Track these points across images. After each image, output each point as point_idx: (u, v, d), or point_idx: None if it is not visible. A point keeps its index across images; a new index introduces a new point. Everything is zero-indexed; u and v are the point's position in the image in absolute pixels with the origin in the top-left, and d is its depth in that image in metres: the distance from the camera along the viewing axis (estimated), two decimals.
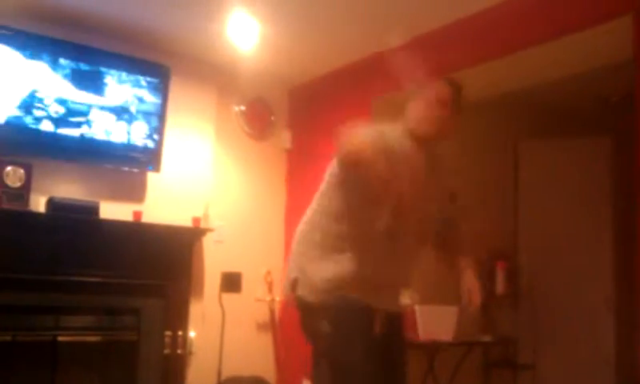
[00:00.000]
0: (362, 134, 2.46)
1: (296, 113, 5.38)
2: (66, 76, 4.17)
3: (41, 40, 4.11)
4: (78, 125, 4.23)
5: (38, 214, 4.06)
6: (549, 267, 5.26)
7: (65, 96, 4.17)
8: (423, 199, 2.61)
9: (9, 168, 3.94)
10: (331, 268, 2.57)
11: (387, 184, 2.32)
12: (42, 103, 4.10)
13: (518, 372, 5.21)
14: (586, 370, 5.01)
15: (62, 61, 4.16)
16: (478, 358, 5.12)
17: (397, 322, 2.72)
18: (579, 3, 3.54)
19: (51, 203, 4.07)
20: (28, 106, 4.05)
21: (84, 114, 4.24)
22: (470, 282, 2.77)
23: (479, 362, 5.15)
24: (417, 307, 4.50)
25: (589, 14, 3.46)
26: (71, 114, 4.20)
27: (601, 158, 5.27)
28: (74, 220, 4.09)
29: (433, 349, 4.50)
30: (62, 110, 4.17)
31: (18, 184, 3.97)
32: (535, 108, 5.43)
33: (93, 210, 4.18)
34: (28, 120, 4.05)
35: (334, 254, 2.58)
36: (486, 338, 4.91)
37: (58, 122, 4.16)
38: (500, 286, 5.18)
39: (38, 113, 4.08)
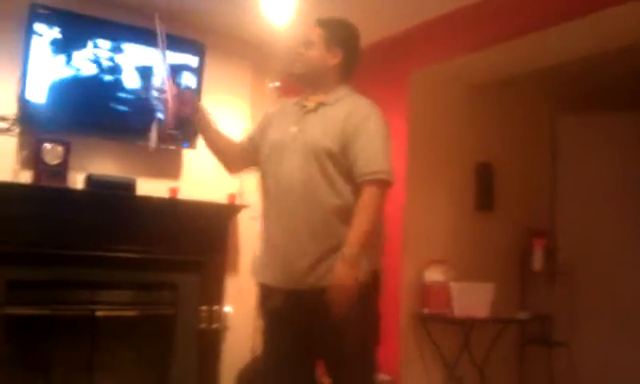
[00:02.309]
0: None
1: None
2: (102, 54, 4.19)
3: (79, 19, 4.12)
4: (116, 102, 4.25)
5: (77, 191, 4.11)
6: (587, 244, 5.19)
7: (101, 74, 4.19)
8: (292, 150, 2.56)
9: (47, 145, 3.99)
10: None
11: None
12: (80, 81, 4.12)
13: (554, 349, 5.17)
14: (622, 348, 4.95)
15: (99, 39, 4.18)
16: (514, 335, 5.10)
17: (309, 301, 2.47)
18: None
19: (89, 180, 4.12)
20: (66, 84, 4.07)
21: (121, 91, 4.27)
22: (340, 277, 2.41)
23: (515, 339, 5.13)
24: (452, 283, 4.49)
25: None
26: (109, 92, 4.23)
27: None
28: (112, 196, 4.13)
29: (468, 325, 4.49)
30: (99, 88, 4.19)
31: (57, 161, 4.01)
32: (574, 82, 5.32)
33: (130, 186, 4.22)
34: (66, 98, 4.08)
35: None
36: (522, 316, 4.89)
37: (96, 99, 4.19)
38: (537, 263, 5.14)
39: (76, 91, 4.10)
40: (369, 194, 2.47)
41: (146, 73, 4.34)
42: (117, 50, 4.25)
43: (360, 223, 2.44)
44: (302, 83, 2.70)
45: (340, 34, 2.69)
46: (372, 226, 2.47)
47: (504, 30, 4.04)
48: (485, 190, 5.15)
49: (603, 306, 5.06)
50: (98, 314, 4.17)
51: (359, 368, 2.57)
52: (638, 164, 5.13)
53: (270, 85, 5.03)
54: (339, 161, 2.51)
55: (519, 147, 5.27)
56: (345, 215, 2.48)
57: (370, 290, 2.54)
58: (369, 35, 4.67)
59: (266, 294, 2.62)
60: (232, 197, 4.61)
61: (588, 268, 5.12)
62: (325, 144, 2.52)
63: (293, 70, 2.70)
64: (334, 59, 2.66)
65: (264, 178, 2.69)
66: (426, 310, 4.57)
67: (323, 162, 2.51)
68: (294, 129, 2.60)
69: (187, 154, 4.57)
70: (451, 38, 4.40)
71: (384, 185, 2.51)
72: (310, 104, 2.64)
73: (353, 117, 2.56)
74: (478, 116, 5.05)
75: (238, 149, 2.92)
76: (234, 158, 2.94)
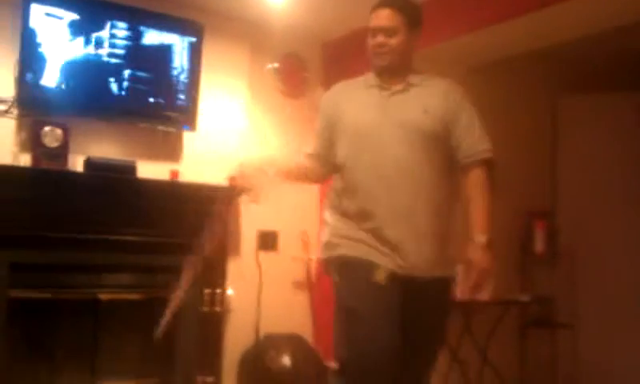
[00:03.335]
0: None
1: (330, 68, 5.31)
2: (101, 35, 4.16)
3: (76, 1, 4.09)
4: (114, 84, 4.22)
5: (77, 174, 4.09)
6: (588, 226, 5.18)
7: (101, 55, 4.16)
8: (388, 129, 2.47)
9: (47, 128, 3.96)
10: (328, 229, 2.62)
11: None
12: (80, 63, 4.09)
13: (556, 331, 5.18)
14: (625, 329, 4.96)
15: (97, 20, 4.14)
16: (516, 317, 5.10)
17: (425, 291, 2.46)
18: None
19: (89, 163, 4.09)
20: (66, 66, 4.04)
21: (120, 73, 4.23)
22: (479, 261, 2.45)
23: (517, 321, 5.12)
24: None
25: None
26: (107, 74, 4.19)
27: None
28: (112, 179, 4.11)
29: (470, 308, 4.48)
30: (97, 70, 4.16)
31: (56, 144, 3.98)
32: (575, 63, 5.30)
33: (130, 169, 4.20)
34: (66, 80, 4.05)
35: (334, 213, 2.61)
36: (524, 298, 4.88)
37: (95, 81, 4.16)
38: (538, 245, 5.13)
39: (74, 73, 4.07)
40: (483, 174, 2.53)
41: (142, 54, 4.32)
42: (116, 30, 4.21)
43: (484, 205, 2.51)
44: (388, 72, 2.57)
45: (415, 15, 2.60)
46: (492, 205, 2.51)
47: (503, 10, 4.01)
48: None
49: (605, 287, 5.06)
50: (101, 297, 4.17)
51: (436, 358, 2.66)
52: (637, 144, 5.12)
53: (269, 66, 5.01)
54: (442, 141, 2.50)
55: (519, 129, 5.25)
56: (451, 199, 2.52)
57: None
58: (367, 17, 4.69)
59: (372, 269, 2.45)
60: (233, 179, 4.59)
61: (589, 249, 5.12)
62: (429, 124, 2.47)
63: (380, 62, 2.56)
64: (416, 41, 2.61)
65: (353, 167, 2.52)
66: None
67: (428, 143, 2.47)
68: (382, 114, 2.50)
69: (187, 137, 4.55)
70: (449, 18, 4.36)
71: (492, 163, 2.56)
72: (397, 86, 2.55)
73: (451, 95, 2.56)
74: (476, 98, 4.99)
75: (315, 162, 2.73)
76: (316, 173, 2.77)
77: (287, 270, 4.90)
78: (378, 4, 2.58)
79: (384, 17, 2.53)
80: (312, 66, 5.24)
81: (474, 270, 2.41)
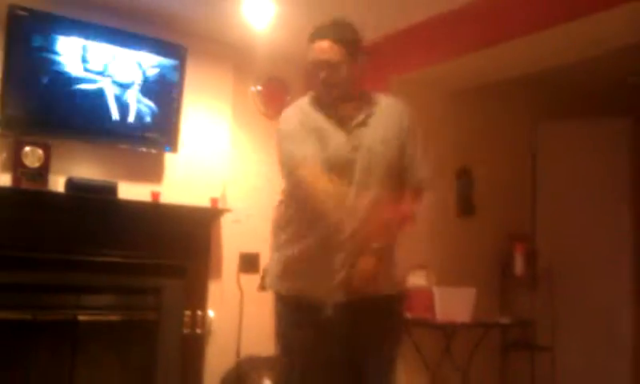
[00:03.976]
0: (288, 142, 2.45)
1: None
2: (83, 56, 4.17)
3: (57, 19, 4.11)
4: (96, 105, 4.23)
5: (57, 194, 4.08)
6: (567, 250, 5.23)
7: (82, 76, 4.17)
8: (359, 162, 2.44)
9: (27, 148, 3.96)
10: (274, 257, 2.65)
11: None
12: (60, 83, 4.10)
13: (536, 354, 5.20)
14: (603, 352, 5.00)
15: (79, 40, 4.16)
16: (496, 339, 5.12)
17: (366, 310, 2.46)
18: None
19: (70, 183, 4.09)
20: (47, 86, 4.05)
21: (101, 94, 4.25)
22: (363, 265, 2.40)
23: (497, 343, 5.15)
24: (434, 288, 4.50)
25: None
26: (89, 95, 4.21)
27: (621, 138, 5.23)
28: (93, 200, 4.11)
29: (450, 330, 4.50)
30: (79, 90, 4.17)
31: (37, 164, 3.99)
32: (554, 89, 5.40)
33: (111, 190, 4.20)
34: (47, 101, 4.06)
35: (277, 241, 2.62)
36: (504, 320, 4.90)
37: (76, 101, 4.16)
38: (518, 268, 5.18)
39: (56, 93, 4.09)
40: (415, 198, 2.53)
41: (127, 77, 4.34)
42: (98, 52, 4.23)
43: (402, 219, 2.49)
44: (339, 100, 2.50)
45: (355, 40, 2.51)
46: (400, 226, 2.51)
47: (484, 37, 4.09)
48: (465, 195, 5.19)
49: (584, 309, 5.10)
50: (80, 318, 4.15)
51: (393, 372, 2.62)
52: (618, 170, 5.20)
53: (252, 88, 5.04)
54: (395, 165, 2.50)
55: (499, 153, 5.31)
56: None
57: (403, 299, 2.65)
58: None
59: (308, 305, 2.46)
60: (214, 200, 4.61)
61: (569, 272, 5.17)
62: (388, 154, 2.48)
63: (330, 96, 2.48)
64: (361, 67, 2.52)
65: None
66: (408, 315, 4.57)
67: (386, 171, 2.47)
68: (348, 145, 2.46)
69: (169, 158, 4.56)
70: (431, 44, 4.43)
71: (425, 190, 2.58)
72: (357, 117, 2.50)
73: (405, 120, 2.55)
74: (458, 122, 5.08)
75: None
76: None
77: (268, 292, 4.89)
78: (315, 35, 2.49)
79: (324, 51, 2.45)
80: (295, 89, 5.27)
81: (356, 273, 2.39)
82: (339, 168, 2.43)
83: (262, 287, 4.57)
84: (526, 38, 3.91)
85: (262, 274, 4.62)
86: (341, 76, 2.45)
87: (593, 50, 4.14)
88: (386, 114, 2.55)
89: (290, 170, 2.46)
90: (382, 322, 2.53)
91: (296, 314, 2.52)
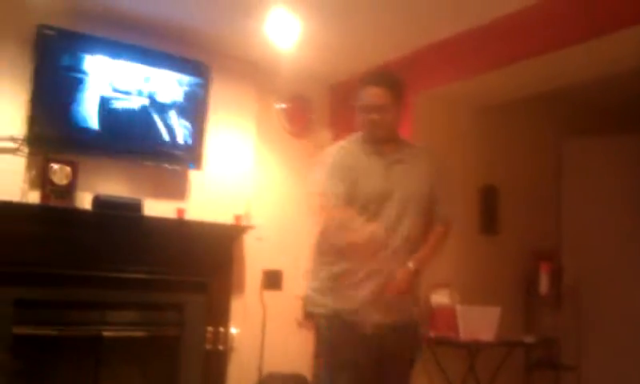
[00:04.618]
0: (323, 181, 2.72)
1: (337, 110, 5.38)
2: (109, 75, 4.24)
3: (84, 38, 4.18)
4: (122, 123, 4.29)
5: (84, 211, 4.13)
6: (593, 267, 5.17)
7: (109, 94, 4.24)
8: (397, 194, 2.71)
9: (55, 166, 4.03)
10: (314, 281, 2.81)
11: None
12: (88, 102, 4.16)
13: (561, 373, 5.14)
14: (630, 370, 4.92)
15: (106, 59, 4.23)
16: (520, 358, 5.06)
17: (394, 335, 2.72)
18: (622, 1, 3.48)
19: (97, 200, 4.14)
20: (72, 104, 4.12)
21: (128, 112, 4.31)
22: (400, 280, 2.68)
23: (521, 362, 5.09)
24: (458, 307, 4.48)
25: (632, 11, 3.40)
26: (116, 112, 4.27)
27: None
28: (119, 217, 4.15)
29: (474, 349, 4.47)
30: (106, 109, 4.23)
31: (65, 181, 4.05)
32: (580, 106, 5.36)
33: (137, 207, 4.24)
34: (73, 119, 4.12)
35: (316, 266, 2.82)
36: (529, 339, 4.85)
37: (104, 119, 4.22)
38: (543, 287, 5.12)
39: (84, 111, 4.15)
40: (443, 230, 2.82)
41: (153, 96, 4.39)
42: (125, 71, 4.29)
43: (430, 246, 2.78)
44: (383, 141, 2.79)
45: (401, 89, 2.81)
46: (435, 257, 2.82)
47: (509, 54, 4.08)
48: (490, 213, 5.16)
49: (610, 328, 5.03)
50: (105, 334, 4.18)
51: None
52: None
53: (276, 106, 5.07)
54: (426, 202, 2.78)
55: (524, 170, 5.28)
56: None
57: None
58: (374, 57, 4.76)
59: (348, 324, 2.68)
60: (238, 218, 4.63)
61: (594, 290, 5.11)
62: (424, 191, 2.77)
63: (375, 137, 2.77)
64: (403, 111, 2.82)
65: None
66: (432, 334, 4.55)
67: (420, 207, 2.75)
68: (386, 180, 2.73)
69: (193, 175, 4.60)
70: (457, 60, 4.43)
71: (450, 225, 2.87)
72: (395, 155, 2.79)
73: (434, 163, 2.86)
74: (482, 138, 5.07)
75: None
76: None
77: (291, 309, 4.91)
78: (369, 82, 2.79)
79: (377, 95, 2.74)
80: (319, 107, 5.31)
81: (393, 285, 2.65)
82: (377, 200, 2.70)
83: (303, 318, 4.67)
84: (550, 54, 3.89)
85: (301, 305, 4.69)
86: (388, 119, 2.75)
87: (619, 65, 4.11)
88: (420, 155, 2.86)
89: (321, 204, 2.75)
90: (407, 347, 2.82)
91: (335, 332, 2.71)
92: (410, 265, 2.68)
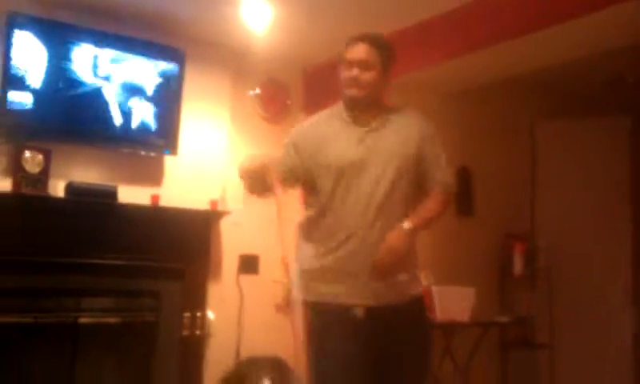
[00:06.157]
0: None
1: (311, 95, 5.38)
2: (82, 61, 4.20)
3: (58, 26, 4.14)
4: (95, 109, 4.27)
5: (58, 199, 4.10)
6: (566, 248, 5.26)
7: (82, 80, 4.20)
8: (372, 164, 2.51)
9: (27, 153, 3.99)
10: (301, 259, 2.66)
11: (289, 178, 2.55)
12: (60, 88, 4.13)
13: (535, 352, 5.22)
14: (603, 350, 5.02)
15: (78, 46, 4.19)
16: (495, 338, 5.15)
17: (395, 316, 2.50)
18: None
19: (70, 188, 4.11)
20: (46, 91, 4.08)
21: (101, 98, 4.28)
22: (393, 238, 2.45)
23: (496, 342, 5.17)
24: (433, 288, 4.52)
25: None
26: (89, 99, 4.24)
27: (619, 137, 5.26)
28: (93, 204, 4.13)
29: (450, 329, 4.53)
30: (79, 95, 4.20)
31: (37, 169, 4.01)
32: (553, 89, 5.42)
33: (111, 194, 4.22)
34: (46, 105, 4.09)
35: (304, 245, 2.66)
36: (503, 319, 4.94)
37: (76, 106, 4.20)
38: (517, 267, 5.21)
39: (55, 98, 4.12)
40: (442, 196, 2.60)
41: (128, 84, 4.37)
42: (98, 57, 4.27)
43: (430, 210, 2.55)
44: (360, 106, 2.60)
45: (391, 54, 2.65)
46: (435, 221, 2.58)
47: (480, 38, 4.10)
48: (465, 195, 5.21)
49: (584, 307, 5.13)
50: (81, 321, 4.18)
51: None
52: (616, 168, 5.22)
53: (250, 92, 5.06)
54: (413, 172, 2.57)
55: (498, 153, 5.34)
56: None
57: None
58: (343, 43, 4.76)
59: (337, 312, 2.50)
60: (214, 203, 4.63)
61: (568, 271, 5.19)
62: (405, 159, 2.54)
63: (352, 94, 2.58)
64: (388, 79, 2.65)
65: (330, 198, 2.55)
66: None
67: (403, 177, 2.53)
68: (361, 147, 2.54)
69: (169, 161, 4.59)
70: (427, 46, 4.45)
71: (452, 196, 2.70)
72: (373, 123, 2.59)
73: (424, 129, 2.65)
74: (456, 123, 5.10)
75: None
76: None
77: (268, 293, 4.92)
78: (355, 38, 2.63)
79: (361, 50, 2.58)
80: (293, 91, 5.30)
81: (384, 247, 2.42)
82: (348, 170, 2.51)
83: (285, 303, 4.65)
84: (522, 38, 3.90)
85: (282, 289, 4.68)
86: (369, 79, 2.56)
87: (591, 48, 4.15)
88: (408, 117, 2.66)
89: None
90: (412, 329, 2.56)
91: (326, 318, 2.53)
92: (405, 224, 2.45)
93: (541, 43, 4.01)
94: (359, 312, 2.47)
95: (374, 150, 2.54)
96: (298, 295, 2.68)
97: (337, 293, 2.50)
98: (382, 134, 2.58)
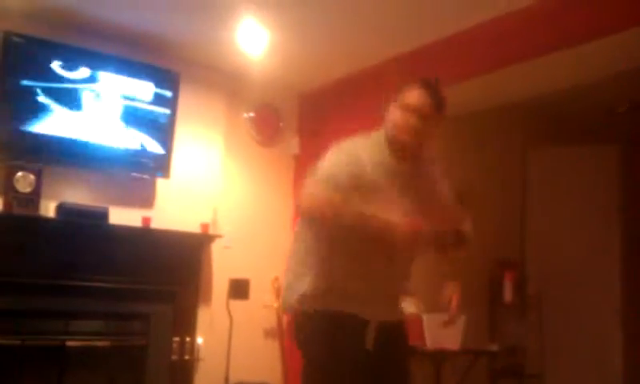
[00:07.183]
0: (316, 185, 2.45)
1: (305, 119, 5.39)
2: (77, 82, 4.20)
3: (53, 46, 4.15)
4: (89, 131, 4.25)
5: (48, 220, 4.09)
6: (557, 276, 5.25)
7: (76, 101, 4.19)
8: (420, 204, 2.49)
9: (19, 174, 3.97)
10: (306, 282, 2.55)
11: (365, 220, 2.33)
12: (53, 109, 4.12)
13: (525, 381, 5.20)
14: (593, 378, 5.00)
15: (73, 66, 4.19)
16: (485, 366, 5.11)
17: (394, 332, 2.62)
18: (588, 14, 3.55)
19: (61, 209, 4.09)
20: (39, 112, 4.07)
21: (94, 119, 4.27)
22: (452, 290, 2.70)
23: (486, 371, 5.14)
24: (424, 316, 4.50)
25: (597, 25, 3.48)
26: (82, 120, 4.23)
27: (609, 166, 5.28)
28: (84, 225, 4.12)
29: (440, 357, 4.50)
30: (72, 116, 4.19)
31: (28, 189, 3.99)
32: (544, 116, 5.44)
33: (102, 215, 4.20)
34: (39, 126, 4.07)
35: (313, 269, 2.56)
36: (493, 347, 4.90)
37: (69, 127, 4.18)
38: (507, 295, 5.18)
39: (48, 119, 4.10)
40: (465, 245, 2.70)
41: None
42: (93, 78, 4.26)
43: (451, 235, 2.62)
44: (406, 155, 2.52)
45: (443, 118, 2.53)
46: (445, 251, 2.66)
47: (475, 65, 4.13)
48: None
49: (574, 336, 5.11)
50: (69, 344, 4.14)
51: None
52: (606, 196, 5.25)
53: (245, 115, 5.07)
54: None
55: (490, 179, 5.34)
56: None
57: None
58: (342, 68, 4.79)
59: (351, 324, 2.47)
60: (205, 226, 4.62)
61: (558, 299, 5.19)
62: (432, 203, 2.59)
63: (403, 139, 2.46)
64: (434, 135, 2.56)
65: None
66: None
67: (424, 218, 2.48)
68: (397, 187, 2.48)
69: (160, 183, 4.57)
70: (422, 72, 4.45)
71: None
72: (411, 164, 2.54)
73: (439, 169, 2.71)
74: (447, 148, 5.10)
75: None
76: None
77: (258, 318, 4.90)
78: (424, 86, 2.48)
79: (426, 103, 2.44)
80: (288, 116, 5.32)
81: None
82: (382, 195, 2.46)
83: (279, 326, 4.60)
84: (516, 66, 3.95)
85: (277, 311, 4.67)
86: (422, 132, 2.46)
87: (582, 78, 4.19)
88: (432, 167, 2.67)
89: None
90: (402, 346, 2.70)
91: (339, 322, 2.48)
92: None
93: (533, 72, 4.05)
94: (372, 325, 2.50)
95: (404, 190, 2.49)
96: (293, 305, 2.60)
97: (353, 308, 2.49)
98: (417, 181, 2.56)
